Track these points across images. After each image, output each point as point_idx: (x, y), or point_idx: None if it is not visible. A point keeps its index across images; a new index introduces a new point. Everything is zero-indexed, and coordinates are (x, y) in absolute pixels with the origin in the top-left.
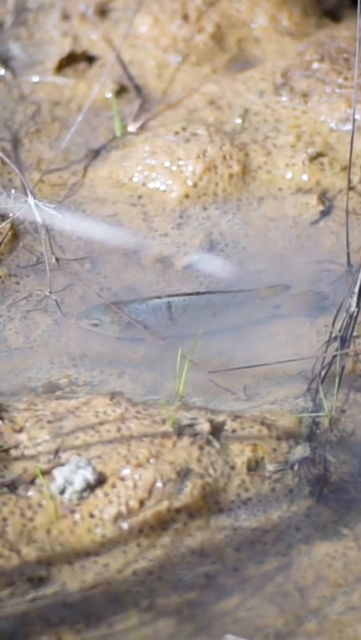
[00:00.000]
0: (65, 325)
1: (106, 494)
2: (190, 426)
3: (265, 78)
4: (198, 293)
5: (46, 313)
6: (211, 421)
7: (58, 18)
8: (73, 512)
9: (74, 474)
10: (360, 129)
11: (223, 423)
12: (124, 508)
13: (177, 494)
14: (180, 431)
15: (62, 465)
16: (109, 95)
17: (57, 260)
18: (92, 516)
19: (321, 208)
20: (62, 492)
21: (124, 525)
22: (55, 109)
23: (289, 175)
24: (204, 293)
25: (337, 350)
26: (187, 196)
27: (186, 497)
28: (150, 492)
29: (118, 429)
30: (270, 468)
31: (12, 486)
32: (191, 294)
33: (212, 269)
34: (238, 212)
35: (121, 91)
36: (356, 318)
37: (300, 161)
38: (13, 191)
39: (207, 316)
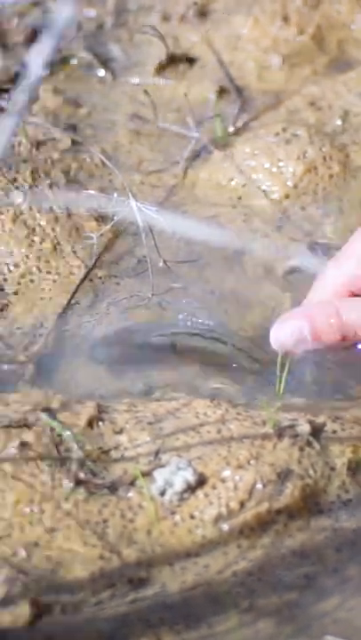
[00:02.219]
0: None
1: (206, 495)
2: (291, 427)
3: None
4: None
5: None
6: (311, 422)
7: (158, 19)
8: (173, 513)
9: (174, 475)
10: None
11: (323, 424)
12: (224, 510)
13: (277, 495)
14: (280, 432)
15: (163, 466)
16: (210, 96)
17: (164, 262)
18: (192, 517)
19: None
20: (162, 493)
21: (225, 526)
22: (155, 111)
23: None
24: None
25: None
26: (287, 197)
27: (286, 498)
28: (251, 493)
29: (218, 431)
30: None
31: (113, 488)
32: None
33: (315, 273)
34: (340, 213)
35: (221, 92)
36: None
37: None
38: (115, 194)
39: None
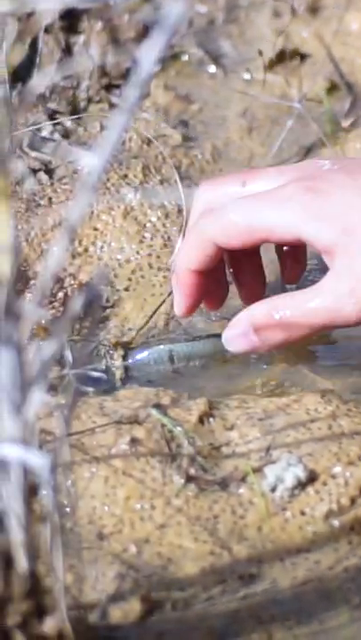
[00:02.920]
0: None
1: (317, 492)
2: None
3: None
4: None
5: None
6: None
7: (269, 15)
8: (284, 509)
9: (285, 471)
10: None
11: None
12: (335, 506)
13: None
14: None
15: (273, 462)
16: (321, 92)
17: None
18: (303, 513)
19: None
20: (273, 489)
21: (335, 523)
22: (266, 107)
23: None
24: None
25: None
26: None
27: None
28: None
29: (329, 427)
30: None
31: (223, 484)
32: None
33: None
34: None
35: (332, 88)
36: None
37: None
38: None
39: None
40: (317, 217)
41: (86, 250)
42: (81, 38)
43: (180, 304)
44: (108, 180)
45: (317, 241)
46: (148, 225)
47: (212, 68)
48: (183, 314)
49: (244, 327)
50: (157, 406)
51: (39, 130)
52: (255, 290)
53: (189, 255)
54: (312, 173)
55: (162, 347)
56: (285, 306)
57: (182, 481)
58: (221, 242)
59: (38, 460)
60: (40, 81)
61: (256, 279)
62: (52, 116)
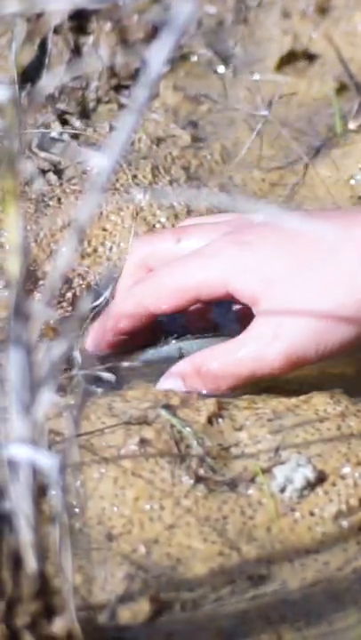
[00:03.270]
0: None
1: (326, 492)
2: None
3: None
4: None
5: None
6: None
7: (278, 16)
8: (293, 510)
9: (294, 472)
10: None
11: None
12: (344, 507)
13: None
14: None
15: (282, 463)
16: (330, 93)
17: None
18: (312, 514)
19: None
20: (282, 490)
21: (344, 523)
22: (275, 107)
23: None
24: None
25: None
26: None
27: None
28: None
29: (338, 427)
30: None
31: (233, 484)
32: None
33: None
34: None
35: (341, 89)
36: None
37: None
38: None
39: None
40: (243, 269)
41: (95, 250)
42: (90, 39)
43: (99, 343)
44: (117, 180)
45: (243, 292)
46: (158, 225)
47: (222, 69)
48: (100, 350)
49: (175, 377)
50: (167, 407)
51: (48, 130)
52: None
53: (123, 317)
54: (242, 227)
55: (172, 344)
56: (213, 358)
57: (191, 481)
58: (154, 308)
59: (47, 461)
60: (49, 81)
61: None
62: (61, 116)
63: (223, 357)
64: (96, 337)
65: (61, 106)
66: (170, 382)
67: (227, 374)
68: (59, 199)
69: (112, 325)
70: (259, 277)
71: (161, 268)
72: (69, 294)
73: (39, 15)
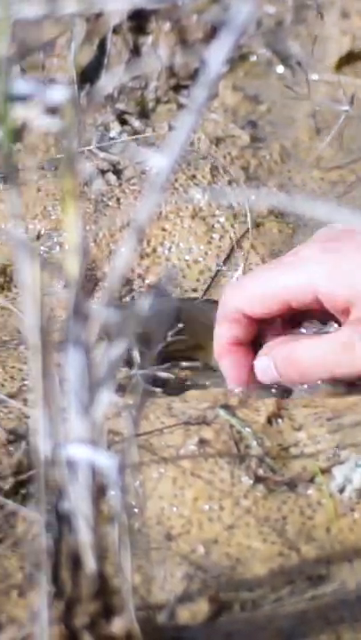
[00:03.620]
0: None
1: None
2: None
3: None
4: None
5: None
6: None
7: (337, 16)
8: (352, 510)
9: (353, 472)
10: None
11: None
12: None
13: None
14: None
15: (342, 463)
16: None
17: None
18: None
19: None
20: (342, 490)
21: None
22: (334, 107)
23: None
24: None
25: None
26: None
27: None
28: None
29: None
30: None
31: (292, 485)
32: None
33: None
34: None
35: None
36: None
37: None
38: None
39: None
40: (332, 275)
41: (154, 250)
42: (149, 39)
43: (232, 378)
44: (176, 180)
45: (333, 297)
46: (217, 226)
47: (281, 69)
48: (240, 385)
49: (266, 361)
50: (225, 407)
51: (107, 130)
52: None
53: (223, 329)
54: (328, 235)
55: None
56: (302, 349)
57: (251, 482)
58: (249, 310)
59: (106, 461)
60: (108, 82)
61: None
62: (120, 116)
63: (311, 351)
64: (229, 379)
65: (120, 106)
66: (262, 363)
67: (313, 368)
68: (118, 199)
69: (224, 354)
70: (350, 284)
71: (246, 275)
72: (129, 295)
73: (98, 15)
